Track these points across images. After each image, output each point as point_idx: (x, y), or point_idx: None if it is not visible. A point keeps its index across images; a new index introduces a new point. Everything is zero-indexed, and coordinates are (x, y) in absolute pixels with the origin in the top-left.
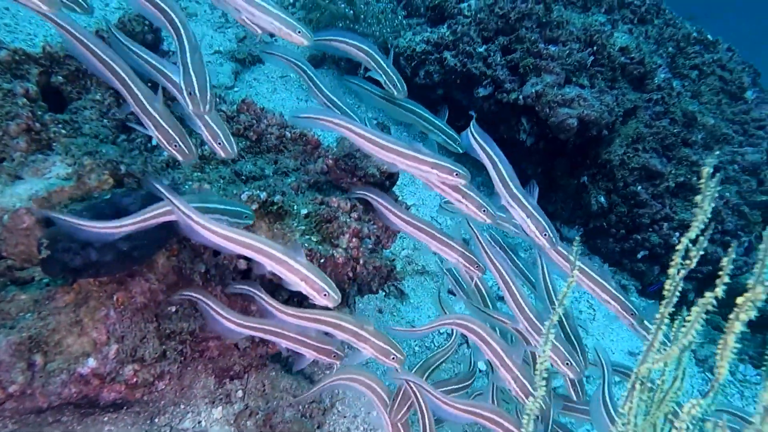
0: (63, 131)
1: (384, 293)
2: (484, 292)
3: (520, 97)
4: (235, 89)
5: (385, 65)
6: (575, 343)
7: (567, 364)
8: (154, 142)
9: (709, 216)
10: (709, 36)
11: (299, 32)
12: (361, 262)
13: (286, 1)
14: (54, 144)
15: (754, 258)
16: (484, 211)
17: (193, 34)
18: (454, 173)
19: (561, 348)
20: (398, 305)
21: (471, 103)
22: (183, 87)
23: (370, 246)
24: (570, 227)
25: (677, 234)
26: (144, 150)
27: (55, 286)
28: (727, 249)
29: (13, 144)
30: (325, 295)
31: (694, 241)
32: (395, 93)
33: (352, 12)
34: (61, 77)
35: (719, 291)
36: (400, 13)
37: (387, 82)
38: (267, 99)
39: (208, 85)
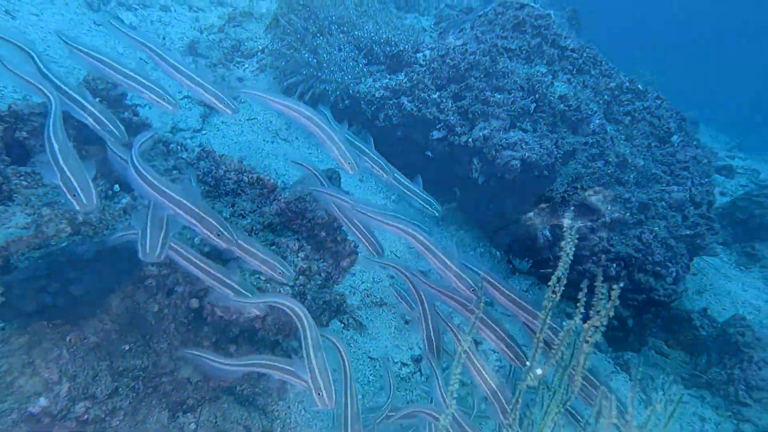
0: (24, 183)
1: (343, 325)
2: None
3: (470, 140)
4: (203, 132)
5: (374, 156)
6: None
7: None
8: (116, 189)
9: (571, 258)
10: (639, 86)
11: (349, 164)
12: (309, 297)
13: (255, 48)
14: (15, 195)
15: (682, 287)
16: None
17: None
18: (471, 289)
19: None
20: (356, 336)
21: (427, 144)
22: (209, 234)
23: (320, 282)
24: (521, 259)
25: (614, 265)
26: (103, 198)
27: (10, 329)
28: (658, 279)
29: None
30: (318, 394)
31: (559, 279)
32: (384, 176)
33: (315, 60)
34: (25, 132)
35: (573, 323)
36: (361, 61)
37: (375, 166)
38: (234, 141)
39: (225, 222)
